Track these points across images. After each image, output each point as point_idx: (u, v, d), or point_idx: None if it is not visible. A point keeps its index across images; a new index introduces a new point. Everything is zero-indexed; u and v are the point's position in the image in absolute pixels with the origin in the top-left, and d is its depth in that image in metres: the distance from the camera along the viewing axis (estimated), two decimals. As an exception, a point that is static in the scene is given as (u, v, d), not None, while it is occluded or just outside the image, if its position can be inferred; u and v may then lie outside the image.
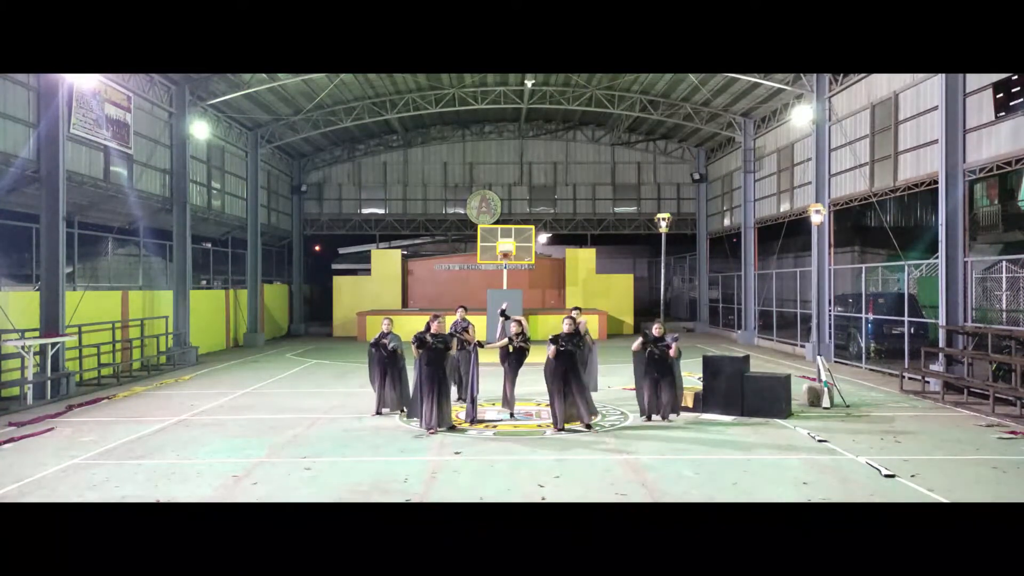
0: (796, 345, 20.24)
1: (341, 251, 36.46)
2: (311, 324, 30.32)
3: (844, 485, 7.33)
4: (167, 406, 12.15)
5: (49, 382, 13.06)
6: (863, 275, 17.79)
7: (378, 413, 11.15)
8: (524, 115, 28.73)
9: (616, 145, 31.28)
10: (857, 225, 27.36)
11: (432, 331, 9.97)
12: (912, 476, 7.55)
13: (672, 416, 10.70)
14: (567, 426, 10.10)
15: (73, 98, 14.29)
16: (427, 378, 9.78)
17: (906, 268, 16.70)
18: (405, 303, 29.54)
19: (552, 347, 9.88)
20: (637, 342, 10.75)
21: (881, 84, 16.65)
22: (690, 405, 11.30)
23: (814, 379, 12.52)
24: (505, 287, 24.96)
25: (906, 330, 15.34)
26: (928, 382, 13.43)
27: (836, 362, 17.46)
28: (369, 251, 31.45)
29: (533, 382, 12.07)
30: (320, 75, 21.34)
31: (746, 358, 11.66)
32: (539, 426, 10.32)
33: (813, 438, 9.45)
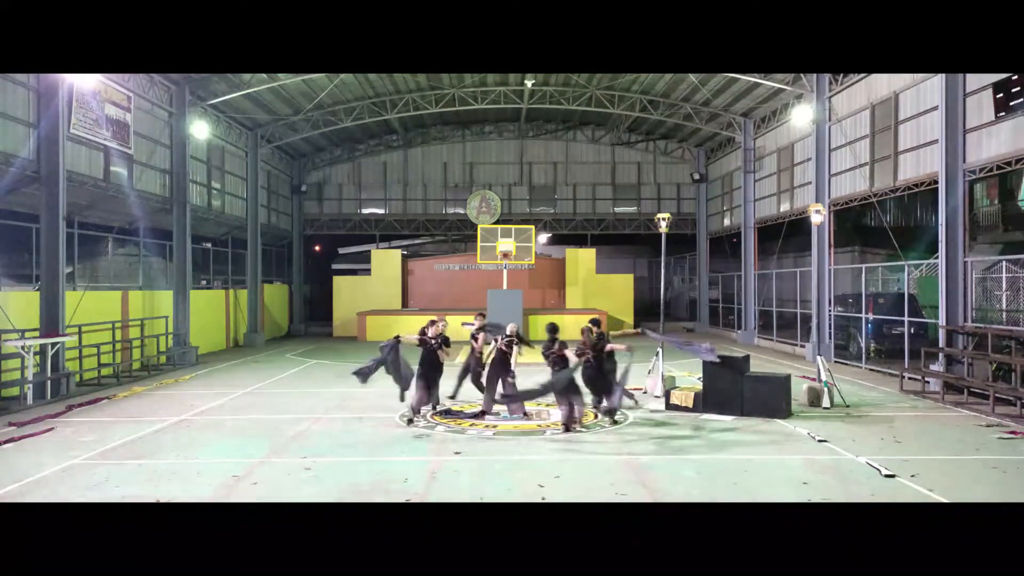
0: (796, 345, 20.23)
1: (341, 251, 36.46)
2: (311, 324, 30.32)
3: (844, 485, 7.33)
4: (167, 406, 12.15)
5: (49, 382, 13.05)
6: (863, 275, 17.78)
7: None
8: (524, 115, 28.73)
9: (616, 145, 31.27)
10: (857, 225, 27.34)
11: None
12: (912, 476, 7.55)
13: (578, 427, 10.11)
14: (561, 426, 10.17)
15: (73, 98, 14.28)
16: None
17: (906, 268, 16.69)
18: (405, 303, 29.54)
19: None
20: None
21: (881, 84, 16.64)
22: (690, 405, 11.31)
23: (814, 379, 12.51)
24: (505, 287, 24.97)
25: (906, 330, 15.33)
26: (928, 382, 13.42)
27: (836, 362, 17.45)
28: (369, 251, 31.45)
29: (533, 383, 12.08)
30: (320, 75, 21.34)
31: (746, 358, 11.66)
32: (539, 426, 10.32)
33: (813, 438, 9.45)
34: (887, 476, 7.56)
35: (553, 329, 10.30)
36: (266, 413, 11.53)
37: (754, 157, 24.48)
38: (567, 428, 9.88)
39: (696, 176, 29.97)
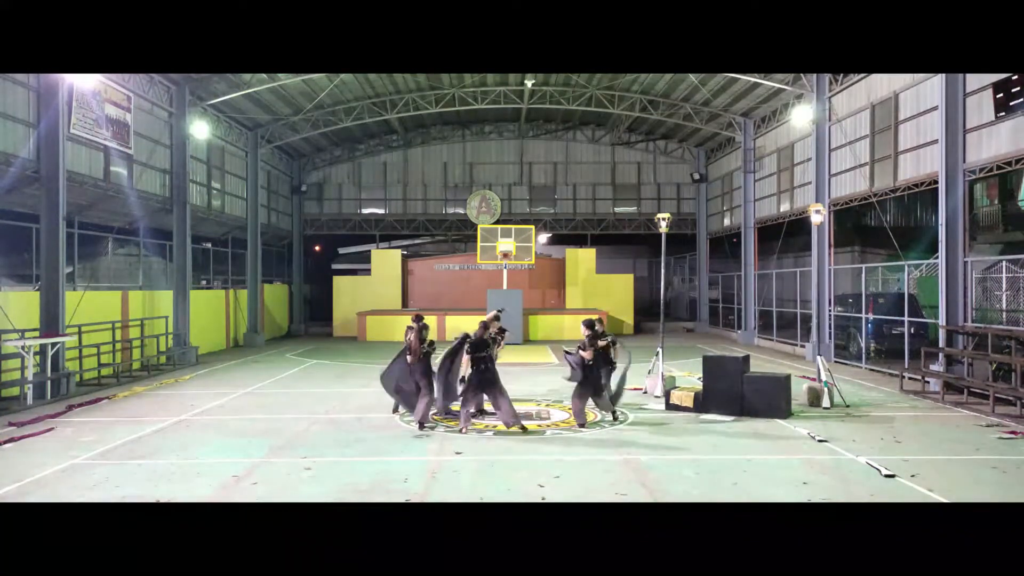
0: (796, 345, 20.23)
1: (341, 251, 36.47)
2: (311, 324, 30.32)
3: (844, 485, 7.33)
4: (167, 406, 12.15)
5: (49, 382, 13.05)
6: (863, 275, 17.78)
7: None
8: (524, 115, 28.73)
9: (616, 145, 31.28)
10: (857, 225, 27.35)
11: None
12: (912, 476, 7.55)
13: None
14: (561, 426, 10.15)
15: (73, 98, 14.28)
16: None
17: (906, 268, 16.69)
18: (405, 303, 29.55)
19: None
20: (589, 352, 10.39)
21: (881, 84, 16.64)
22: (690, 405, 11.30)
23: (814, 379, 12.51)
24: (505, 287, 24.96)
25: (906, 330, 15.33)
26: (928, 382, 13.42)
27: (836, 362, 17.45)
28: (369, 251, 31.45)
29: (534, 383, 12.10)
30: (320, 75, 21.34)
31: (746, 358, 11.66)
32: (539, 426, 10.32)
33: (813, 438, 9.45)
34: (887, 476, 7.56)
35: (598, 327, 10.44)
36: (266, 413, 11.53)
37: (754, 157, 24.48)
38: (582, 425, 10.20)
39: (696, 176, 29.97)
